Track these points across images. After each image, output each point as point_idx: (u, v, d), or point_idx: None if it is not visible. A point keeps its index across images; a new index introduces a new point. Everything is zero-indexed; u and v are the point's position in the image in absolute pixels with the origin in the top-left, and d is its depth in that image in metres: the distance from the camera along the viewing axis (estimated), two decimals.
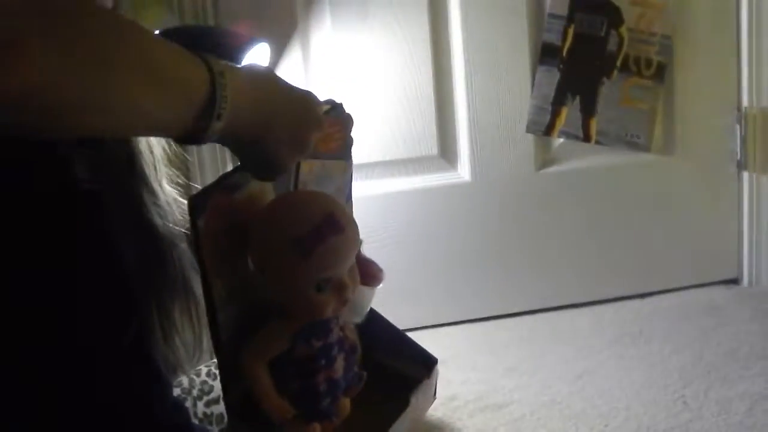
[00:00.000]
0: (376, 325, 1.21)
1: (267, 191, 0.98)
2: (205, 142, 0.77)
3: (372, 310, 1.19)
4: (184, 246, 0.94)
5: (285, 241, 0.91)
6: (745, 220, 2.17)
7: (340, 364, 1.00)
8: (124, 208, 0.87)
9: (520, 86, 2.01)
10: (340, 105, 1.10)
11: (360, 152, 1.24)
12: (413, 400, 1.20)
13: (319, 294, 0.93)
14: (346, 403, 1.04)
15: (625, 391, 1.66)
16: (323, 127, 0.91)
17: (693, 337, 1.89)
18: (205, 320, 0.94)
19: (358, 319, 1.14)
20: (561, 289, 2.11)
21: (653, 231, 2.14)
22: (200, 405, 1.24)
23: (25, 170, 0.77)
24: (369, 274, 1.11)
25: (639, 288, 2.15)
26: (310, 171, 1.06)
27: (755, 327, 1.92)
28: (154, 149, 0.94)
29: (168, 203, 0.93)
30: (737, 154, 2.13)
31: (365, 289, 1.10)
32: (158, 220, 0.90)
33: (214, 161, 1.82)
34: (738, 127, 2.12)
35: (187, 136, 0.75)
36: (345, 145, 1.15)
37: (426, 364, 1.29)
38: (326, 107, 1.04)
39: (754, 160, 2.12)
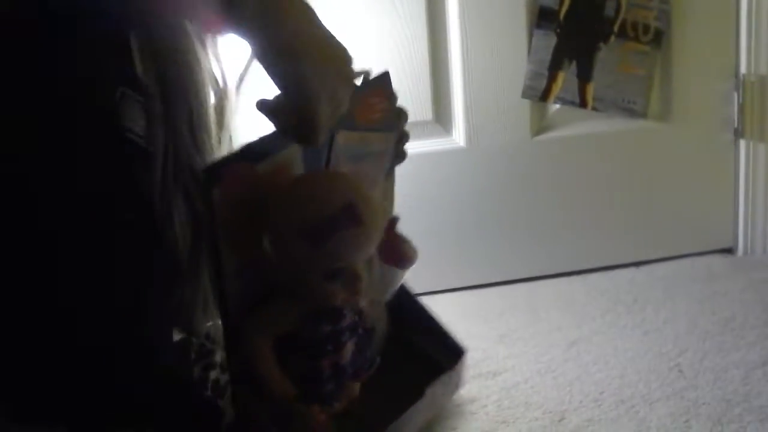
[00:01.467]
0: (409, 303, 1.17)
1: (295, 163, 0.94)
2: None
3: (405, 287, 1.15)
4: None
5: (299, 227, 0.88)
6: (741, 189, 2.15)
7: (348, 350, 0.97)
8: (176, 170, 0.86)
9: (516, 51, 1.98)
10: (386, 74, 1.05)
11: None
12: (429, 392, 1.16)
13: (330, 283, 0.90)
14: (353, 387, 1.01)
15: (620, 359, 1.65)
16: (352, 82, 0.88)
17: (688, 305, 1.88)
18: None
19: (386, 298, 1.11)
20: (555, 256, 2.10)
21: (648, 198, 2.13)
22: (197, 369, 1.23)
23: (71, 115, 0.77)
24: (401, 254, 1.05)
25: (634, 256, 2.14)
26: (346, 143, 1.01)
27: (750, 296, 1.91)
28: (209, 109, 0.92)
29: (204, 150, 0.91)
30: (734, 121, 2.11)
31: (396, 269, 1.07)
32: (188, 168, 0.88)
33: None
34: (735, 94, 2.10)
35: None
36: (388, 117, 1.09)
37: (454, 352, 1.26)
38: (362, 72, 1.00)
39: (751, 127, 2.10)
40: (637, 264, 2.13)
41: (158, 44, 0.87)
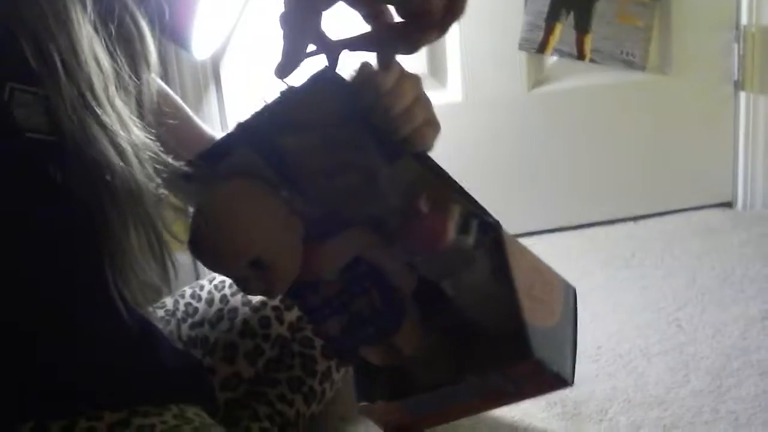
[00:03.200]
0: None
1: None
2: None
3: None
4: (145, 173, 0.87)
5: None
6: (740, 142, 2.12)
7: (332, 323, 0.93)
8: (72, 146, 0.81)
9: (512, 2, 1.93)
10: None
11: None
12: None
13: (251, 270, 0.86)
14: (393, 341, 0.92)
15: (618, 314, 1.63)
16: None
17: (687, 260, 1.86)
18: (168, 251, 0.89)
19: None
20: (552, 211, 2.08)
21: (647, 152, 2.10)
22: (184, 327, 1.20)
23: None
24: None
25: (632, 210, 2.11)
26: None
27: (749, 250, 1.89)
28: (101, 64, 0.87)
29: (119, 124, 0.86)
30: (734, 73, 2.08)
31: None
32: (108, 148, 0.84)
33: (196, 89, 1.76)
34: (736, 46, 2.06)
35: None
36: None
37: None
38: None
39: (751, 80, 2.07)
40: (635, 218, 2.10)
41: (37, 18, 0.82)
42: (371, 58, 0.78)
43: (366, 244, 0.83)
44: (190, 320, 1.21)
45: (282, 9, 0.74)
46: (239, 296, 1.22)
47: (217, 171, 0.84)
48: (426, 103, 0.83)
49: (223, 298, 1.22)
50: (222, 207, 0.85)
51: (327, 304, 0.91)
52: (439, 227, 0.81)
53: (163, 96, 1.08)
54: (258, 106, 0.81)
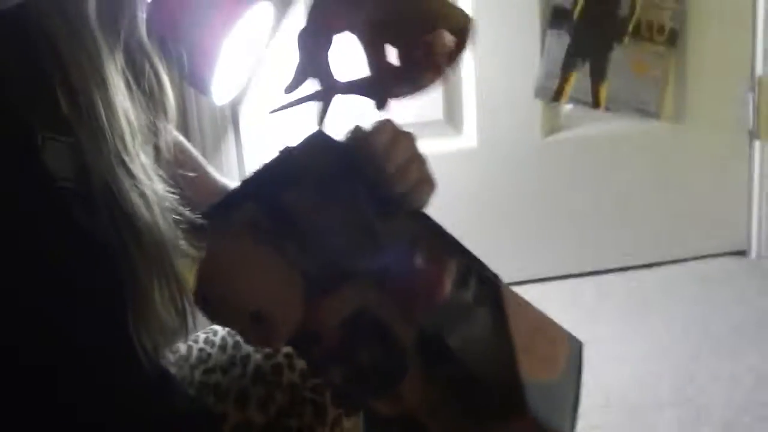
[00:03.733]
0: None
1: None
2: None
3: None
4: (167, 223, 0.89)
5: None
6: (755, 191, 2.13)
7: (334, 373, 0.94)
8: (102, 197, 0.84)
9: (529, 50, 1.96)
10: None
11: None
12: None
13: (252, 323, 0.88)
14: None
15: (630, 364, 1.63)
16: None
17: (700, 309, 1.86)
18: (190, 301, 0.91)
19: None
20: (567, 257, 2.08)
21: (662, 200, 2.11)
22: (197, 373, 1.21)
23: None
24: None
25: (646, 258, 2.11)
26: None
27: (763, 300, 1.89)
28: (129, 117, 0.89)
29: (146, 175, 0.88)
30: (749, 123, 2.09)
31: None
32: (137, 199, 0.86)
33: (215, 134, 1.79)
34: (751, 95, 2.07)
35: None
36: None
37: None
38: None
39: (766, 128, 2.08)
40: (649, 266, 2.11)
41: (74, 66, 0.84)
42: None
43: (367, 297, 0.85)
44: (202, 366, 1.22)
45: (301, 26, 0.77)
46: None
47: (224, 224, 0.86)
48: (420, 161, 0.84)
49: (236, 345, 1.23)
50: (226, 260, 0.87)
51: (329, 356, 0.93)
52: (435, 282, 0.82)
53: (178, 146, 1.10)
54: (260, 164, 0.84)
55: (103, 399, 0.90)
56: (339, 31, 0.78)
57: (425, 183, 0.85)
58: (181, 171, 1.02)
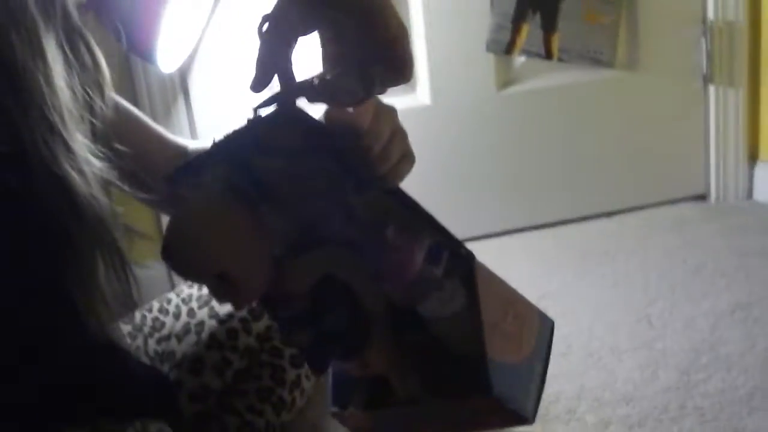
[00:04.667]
0: None
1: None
2: None
3: None
4: (103, 198, 0.89)
5: None
6: (712, 135, 2.14)
7: (301, 337, 0.94)
8: (38, 169, 0.83)
9: (478, 3, 1.95)
10: None
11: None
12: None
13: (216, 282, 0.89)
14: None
15: (589, 312, 1.64)
16: None
17: (659, 255, 1.88)
18: (130, 273, 0.91)
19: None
20: (525, 210, 2.09)
21: (619, 149, 2.11)
22: (151, 342, 1.21)
23: None
24: None
25: (605, 207, 2.13)
26: None
27: (721, 243, 1.90)
28: (68, 94, 0.89)
29: (83, 152, 0.88)
30: (703, 68, 2.10)
31: None
32: (75, 175, 0.85)
33: (165, 102, 1.77)
34: (703, 40, 2.07)
35: None
36: None
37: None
38: None
39: (720, 73, 2.08)
40: (609, 214, 2.12)
41: (5, 30, 0.83)
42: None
43: (338, 263, 0.85)
44: (156, 335, 1.22)
45: (260, 21, 0.75)
46: (206, 309, 1.23)
47: (195, 184, 0.85)
48: (402, 136, 0.82)
49: (190, 312, 1.23)
50: (194, 220, 0.86)
51: (296, 318, 0.93)
52: (406, 258, 0.82)
53: (123, 114, 1.09)
54: (229, 129, 0.83)
55: (45, 369, 0.89)
56: (305, 31, 0.76)
57: (406, 159, 0.83)
58: (126, 138, 1.01)
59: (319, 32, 0.77)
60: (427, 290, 0.82)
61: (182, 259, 0.88)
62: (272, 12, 0.75)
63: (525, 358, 0.84)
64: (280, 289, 0.88)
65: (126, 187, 0.96)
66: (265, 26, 0.77)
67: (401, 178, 0.84)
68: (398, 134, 0.82)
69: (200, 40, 1.78)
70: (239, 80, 1.77)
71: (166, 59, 1.59)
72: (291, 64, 0.76)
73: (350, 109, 0.80)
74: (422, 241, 0.81)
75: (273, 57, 0.75)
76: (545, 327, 0.89)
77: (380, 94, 0.77)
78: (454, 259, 0.82)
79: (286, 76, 0.77)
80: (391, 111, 0.82)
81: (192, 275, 0.90)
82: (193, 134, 1.82)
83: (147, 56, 1.54)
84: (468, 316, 0.80)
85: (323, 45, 0.78)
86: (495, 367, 0.78)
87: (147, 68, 1.73)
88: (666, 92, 2.10)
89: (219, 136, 0.82)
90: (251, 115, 0.81)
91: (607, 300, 1.69)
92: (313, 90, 0.81)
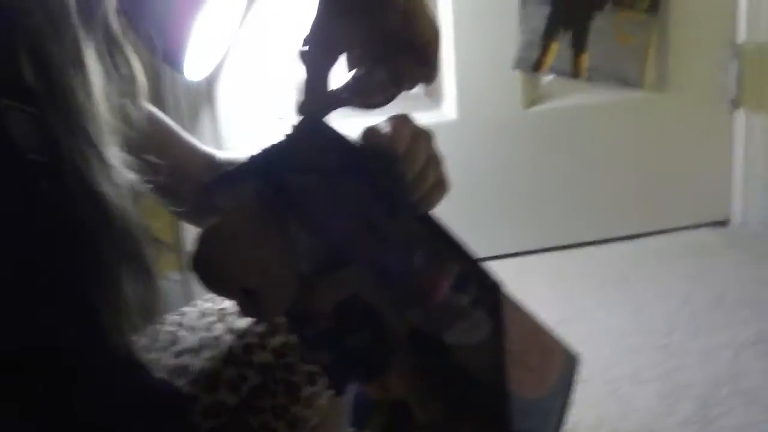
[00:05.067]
0: None
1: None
2: None
3: None
4: (134, 212, 0.89)
5: None
6: (737, 160, 2.12)
7: (321, 356, 0.94)
8: (72, 178, 0.83)
9: (508, 20, 1.93)
10: None
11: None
12: None
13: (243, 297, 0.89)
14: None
15: (609, 338, 1.63)
16: None
17: (680, 281, 1.86)
18: (156, 287, 0.91)
19: None
20: (546, 230, 2.07)
21: (643, 170, 2.10)
22: (165, 356, 1.20)
23: None
24: None
25: (627, 229, 2.11)
26: None
27: (743, 271, 1.88)
28: (106, 104, 0.89)
29: (118, 164, 0.88)
30: (731, 91, 2.07)
31: None
32: (109, 187, 0.85)
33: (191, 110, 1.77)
34: (733, 63, 2.05)
35: None
36: None
37: None
38: None
39: (748, 97, 2.06)
40: (630, 237, 2.10)
41: (46, 40, 0.83)
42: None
43: (364, 284, 0.84)
44: (171, 349, 1.21)
45: (302, 43, 0.75)
46: (222, 324, 1.22)
47: (228, 196, 0.85)
48: (437, 162, 0.81)
49: (207, 326, 1.22)
50: (226, 232, 0.86)
51: (320, 336, 0.93)
52: (432, 284, 0.81)
53: (154, 123, 1.09)
54: (266, 144, 0.83)
55: (64, 381, 0.89)
56: (344, 49, 0.76)
57: (440, 186, 0.82)
58: (159, 149, 1.01)
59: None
60: (452, 318, 0.81)
61: (212, 272, 0.87)
62: (312, 32, 0.75)
63: (547, 393, 0.83)
64: (305, 306, 0.88)
65: (158, 199, 0.95)
66: (307, 48, 0.77)
67: (434, 204, 0.83)
68: (434, 160, 0.81)
69: (228, 49, 1.78)
70: (266, 91, 1.77)
71: (194, 68, 1.59)
72: (330, 81, 0.76)
73: (387, 130, 0.80)
74: (450, 269, 0.81)
75: (320, 80, 0.75)
76: (570, 363, 0.88)
77: (408, 89, 0.77)
78: (482, 288, 0.81)
79: (326, 94, 0.77)
80: (428, 136, 0.81)
81: (220, 288, 0.90)
82: (217, 144, 1.81)
83: (175, 64, 1.54)
84: (492, 347, 0.79)
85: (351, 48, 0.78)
86: (516, 401, 0.77)
87: (174, 76, 1.73)
88: (693, 115, 2.08)
89: (255, 149, 0.82)
90: (289, 131, 0.81)
91: (627, 327, 1.67)
92: (345, 91, 0.81)
